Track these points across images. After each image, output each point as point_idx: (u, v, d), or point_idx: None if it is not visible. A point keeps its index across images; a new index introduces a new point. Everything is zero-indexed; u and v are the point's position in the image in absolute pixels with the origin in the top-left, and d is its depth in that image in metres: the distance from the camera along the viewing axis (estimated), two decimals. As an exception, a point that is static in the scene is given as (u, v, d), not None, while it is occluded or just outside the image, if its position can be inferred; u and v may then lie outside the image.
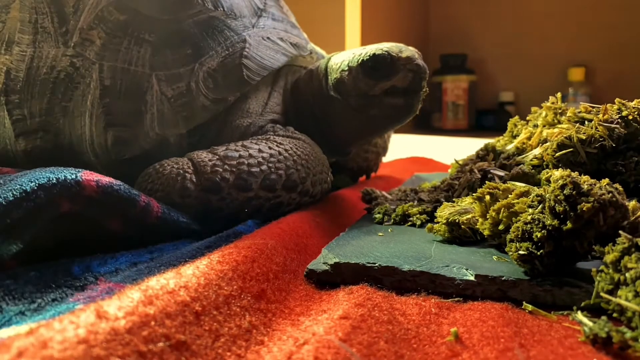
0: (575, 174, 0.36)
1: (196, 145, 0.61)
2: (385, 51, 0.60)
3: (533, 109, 0.58)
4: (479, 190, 0.45)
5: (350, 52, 0.66)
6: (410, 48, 0.62)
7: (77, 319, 0.24)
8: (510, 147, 0.57)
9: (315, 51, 0.75)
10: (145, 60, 0.56)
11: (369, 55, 0.61)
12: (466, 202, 0.50)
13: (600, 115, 0.48)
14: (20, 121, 0.56)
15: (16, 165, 0.57)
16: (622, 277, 0.31)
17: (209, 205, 0.52)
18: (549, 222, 0.36)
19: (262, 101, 0.64)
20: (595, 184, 0.36)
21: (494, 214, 0.43)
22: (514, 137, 0.59)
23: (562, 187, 0.36)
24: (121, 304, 0.27)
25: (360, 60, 0.62)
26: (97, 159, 0.56)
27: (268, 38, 0.63)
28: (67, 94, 0.56)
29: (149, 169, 0.54)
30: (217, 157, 0.53)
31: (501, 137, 0.61)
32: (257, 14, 0.65)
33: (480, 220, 0.45)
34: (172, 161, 0.53)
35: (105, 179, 0.44)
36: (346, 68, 0.63)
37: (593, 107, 0.51)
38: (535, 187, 0.45)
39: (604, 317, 0.31)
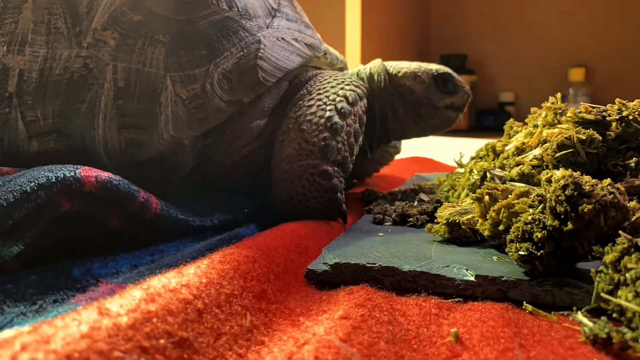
0: (577, 174, 0.36)
1: (211, 147, 0.60)
2: (450, 72, 0.74)
3: (532, 109, 0.58)
4: (479, 190, 0.45)
5: (405, 63, 0.76)
6: None
7: (79, 316, 0.24)
8: (510, 147, 0.57)
9: (329, 51, 0.74)
10: (160, 62, 0.55)
11: (441, 71, 0.73)
12: (466, 202, 0.51)
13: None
14: (33, 123, 0.55)
15: (30, 167, 0.57)
16: (622, 278, 0.31)
17: (339, 142, 0.57)
18: (549, 222, 0.36)
19: (278, 99, 0.64)
20: (596, 185, 0.36)
21: (494, 214, 0.43)
22: (512, 138, 0.59)
23: (564, 187, 0.36)
24: (123, 302, 0.27)
25: (432, 74, 0.73)
26: (110, 161, 0.56)
27: (283, 39, 0.62)
28: (81, 96, 0.55)
29: (282, 194, 0.58)
30: (295, 121, 0.59)
31: (501, 139, 0.61)
32: (272, 14, 0.64)
33: (480, 220, 0.45)
34: (297, 164, 0.57)
35: (105, 174, 0.43)
36: (414, 76, 0.73)
37: (593, 107, 0.51)
38: (535, 188, 0.45)
39: (604, 318, 0.31)
